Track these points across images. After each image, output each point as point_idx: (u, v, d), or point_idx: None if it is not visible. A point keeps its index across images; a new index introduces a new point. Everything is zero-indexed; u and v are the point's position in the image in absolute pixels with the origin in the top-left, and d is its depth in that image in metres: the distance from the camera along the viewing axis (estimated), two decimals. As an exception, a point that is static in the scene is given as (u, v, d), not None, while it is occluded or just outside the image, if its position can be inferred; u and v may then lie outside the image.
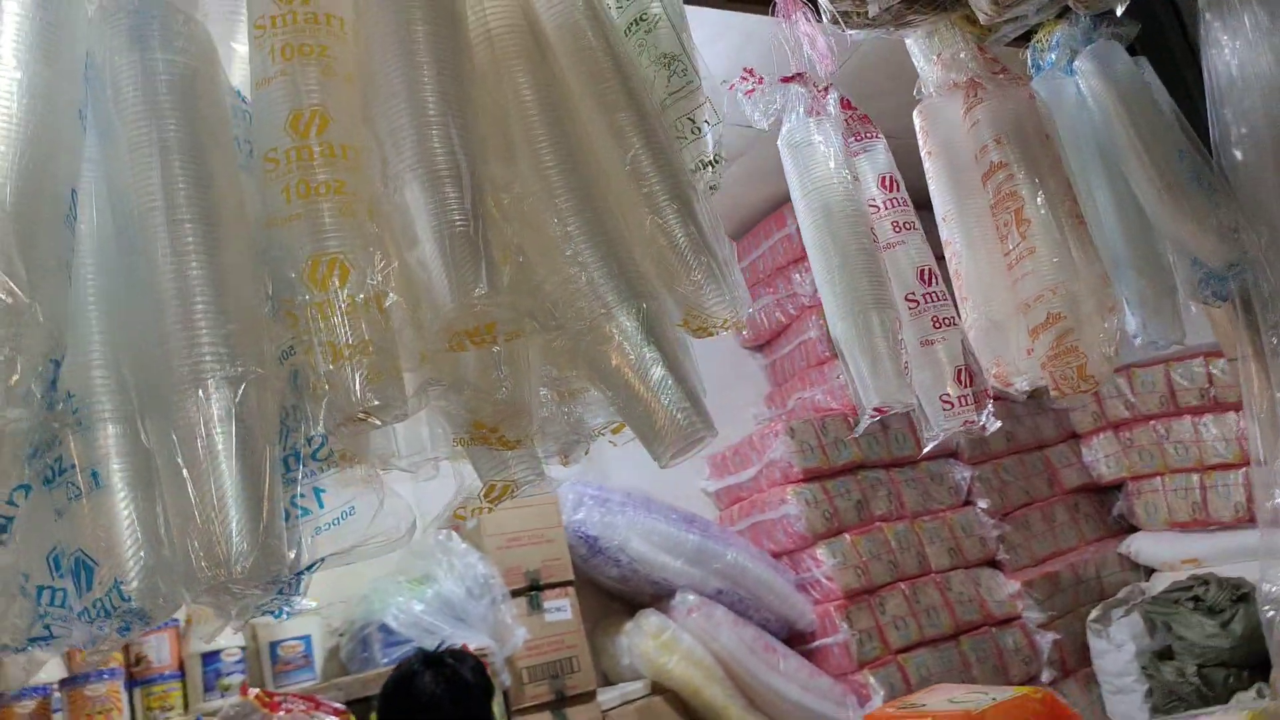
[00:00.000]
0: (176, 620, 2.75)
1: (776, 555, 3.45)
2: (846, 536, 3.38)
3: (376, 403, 0.92)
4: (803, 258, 3.69)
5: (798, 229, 3.80)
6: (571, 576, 3.02)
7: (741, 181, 3.50)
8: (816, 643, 3.31)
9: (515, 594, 2.87)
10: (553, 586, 2.97)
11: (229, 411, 0.86)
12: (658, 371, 1.02)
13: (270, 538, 0.83)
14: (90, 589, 0.87)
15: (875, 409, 1.43)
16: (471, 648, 2.62)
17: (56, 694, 2.46)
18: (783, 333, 3.93)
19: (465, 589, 2.79)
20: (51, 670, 2.53)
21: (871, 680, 3.14)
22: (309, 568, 0.95)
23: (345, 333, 0.93)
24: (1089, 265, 1.59)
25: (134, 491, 0.89)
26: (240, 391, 0.87)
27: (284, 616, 0.99)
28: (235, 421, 0.86)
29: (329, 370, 0.92)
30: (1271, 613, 1.65)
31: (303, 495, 0.97)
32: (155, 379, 0.87)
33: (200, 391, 0.85)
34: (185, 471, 0.84)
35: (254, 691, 2.37)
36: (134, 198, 0.93)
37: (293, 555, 0.88)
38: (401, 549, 1.06)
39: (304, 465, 0.96)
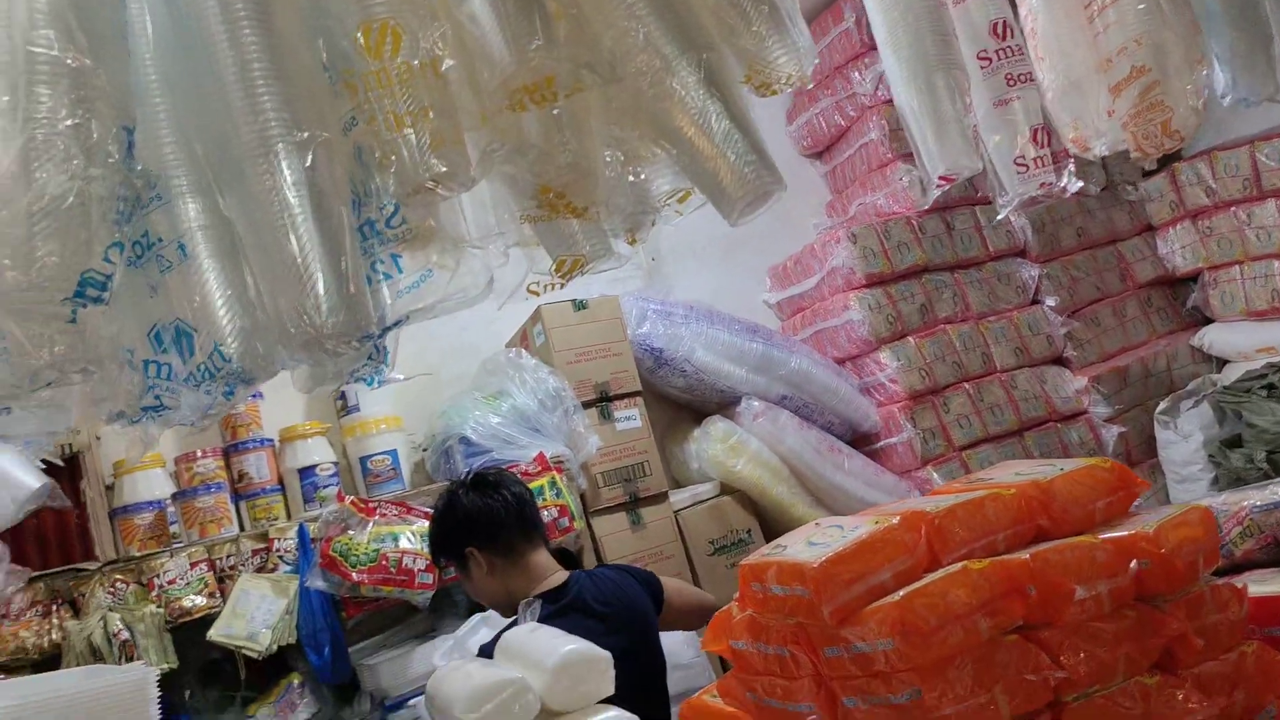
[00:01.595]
0: (272, 440, 2.92)
1: (840, 361, 3.48)
2: (910, 340, 3.38)
3: (442, 169, 0.93)
4: (863, 54, 3.51)
5: (856, 20, 3.59)
6: (639, 387, 3.09)
7: (795, -27, 3.29)
8: (880, 443, 3.38)
9: (586, 405, 2.96)
10: (621, 397, 3.06)
11: (301, 176, 0.87)
12: (722, 125, 0.99)
13: (355, 295, 0.86)
14: (192, 354, 0.92)
15: (942, 177, 1.39)
16: (548, 456, 2.75)
17: (170, 508, 2.67)
18: (842, 137, 3.80)
19: (538, 402, 2.89)
20: (165, 488, 2.74)
21: (935, 476, 3.21)
22: (395, 324, 0.98)
23: (404, 100, 0.92)
24: (1178, 12, 1.48)
25: (220, 260, 0.92)
26: (310, 156, 0.87)
27: (375, 385, 1.04)
28: (308, 186, 0.87)
29: (392, 138, 0.92)
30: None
31: (382, 262, 1.00)
32: (225, 150, 0.88)
33: (270, 158, 0.87)
34: (266, 236, 0.86)
35: (350, 499, 2.53)
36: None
37: (378, 315, 0.91)
38: (480, 302, 1.09)
39: (380, 235, 0.98)
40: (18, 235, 0.82)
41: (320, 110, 0.91)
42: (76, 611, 2.29)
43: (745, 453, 3.08)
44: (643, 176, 1.15)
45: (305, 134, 0.89)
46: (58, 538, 2.36)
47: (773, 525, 3.09)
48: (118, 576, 2.33)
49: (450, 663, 1.27)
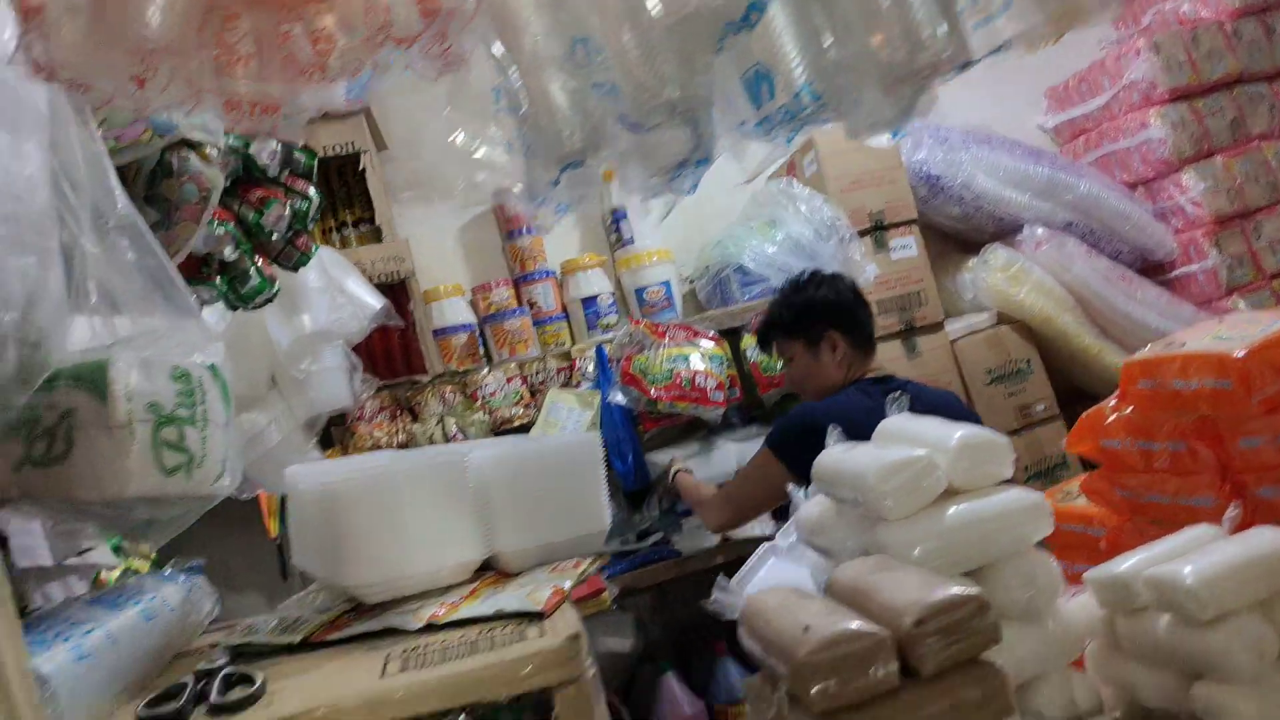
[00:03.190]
0: (554, 272, 3.08)
1: (1130, 186, 3.22)
2: (1218, 159, 3.06)
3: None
4: None
5: None
6: (915, 215, 3.01)
7: None
8: (1176, 272, 3.14)
9: (861, 234, 2.92)
10: (896, 226, 2.99)
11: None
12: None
13: (957, 26, 0.85)
14: (772, 97, 0.96)
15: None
16: (827, 281, 2.75)
17: (479, 331, 2.91)
18: (1141, -66, 3.37)
19: (813, 231, 2.87)
20: (468, 315, 2.97)
21: (1241, 304, 2.97)
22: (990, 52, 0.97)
23: None
24: None
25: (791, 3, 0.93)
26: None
27: (898, 137, 1.02)
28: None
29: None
30: None
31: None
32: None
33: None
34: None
35: (643, 322, 2.66)
36: None
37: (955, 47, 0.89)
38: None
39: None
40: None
41: None
42: (414, 417, 2.58)
43: (1028, 281, 2.95)
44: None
45: None
46: (394, 353, 2.64)
47: (1055, 356, 2.99)
48: (446, 387, 2.59)
49: (837, 446, 1.32)
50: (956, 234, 3.24)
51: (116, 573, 1.77)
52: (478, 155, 1.15)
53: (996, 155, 3.03)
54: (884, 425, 1.40)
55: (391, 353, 2.65)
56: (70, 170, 1.04)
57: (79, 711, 0.81)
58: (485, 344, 2.94)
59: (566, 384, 2.70)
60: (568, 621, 0.90)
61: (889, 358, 2.91)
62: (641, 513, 2.86)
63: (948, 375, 2.94)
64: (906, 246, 2.97)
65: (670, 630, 2.93)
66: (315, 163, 1.92)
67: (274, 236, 1.80)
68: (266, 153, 1.79)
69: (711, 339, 2.72)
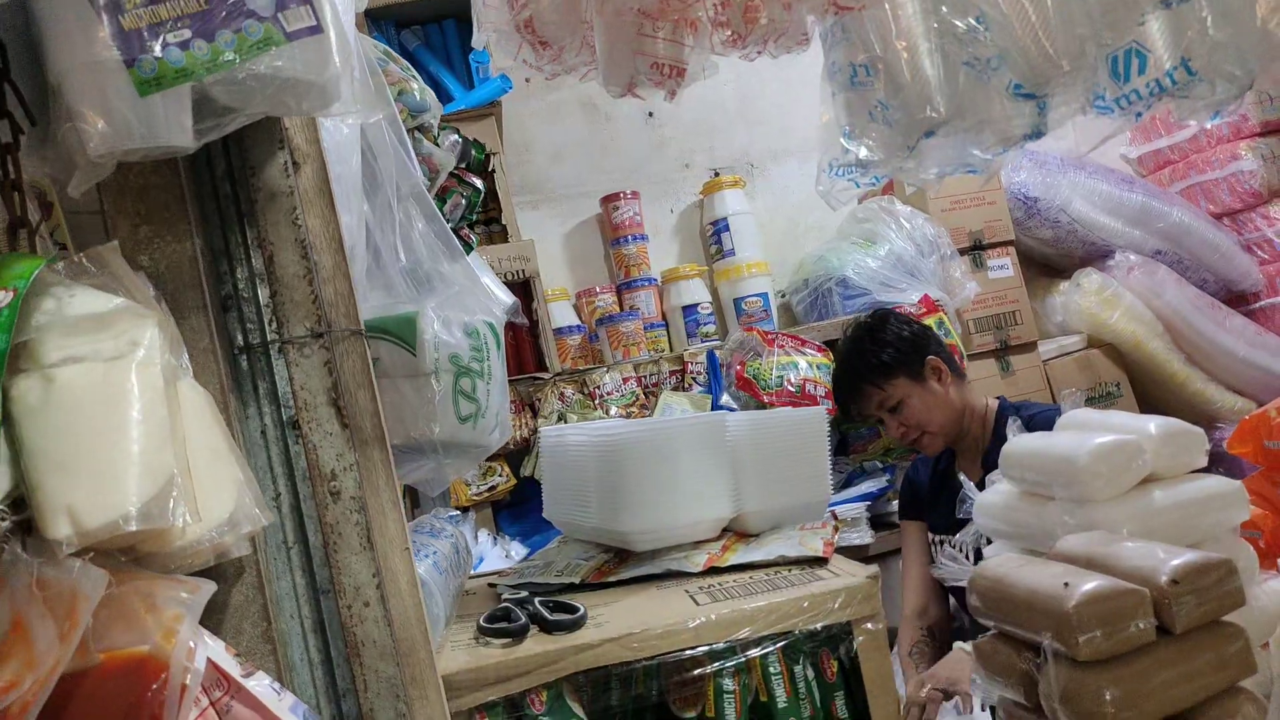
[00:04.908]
0: (655, 279, 3.18)
1: (1216, 217, 3.30)
2: (1307, 193, 3.14)
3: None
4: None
5: None
6: (1012, 236, 3.09)
7: None
8: (1261, 303, 3.22)
9: (960, 253, 3.00)
10: (994, 245, 3.08)
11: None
12: None
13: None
14: (1142, 73, 1.04)
15: None
16: (933, 299, 2.84)
17: (595, 332, 3.00)
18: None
19: (915, 247, 2.97)
20: (574, 318, 3.07)
21: (1331, 338, 3.03)
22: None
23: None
24: None
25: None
26: None
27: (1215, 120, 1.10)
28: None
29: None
30: None
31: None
32: None
33: None
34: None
35: (756, 329, 2.75)
36: None
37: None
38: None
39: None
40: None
41: None
42: (535, 412, 2.67)
43: (1119, 306, 3.03)
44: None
45: None
46: (520, 349, 2.73)
47: (1143, 381, 3.06)
48: (566, 386, 2.68)
49: (1026, 434, 1.40)
50: (1044, 258, 3.32)
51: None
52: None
53: (1093, 180, 3.12)
54: (1070, 416, 1.48)
55: (517, 349, 2.74)
56: (374, 140, 1.14)
57: (441, 622, 0.90)
58: (596, 346, 3.03)
59: (679, 387, 2.79)
60: (852, 567, 0.99)
61: (983, 375, 2.99)
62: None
63: (1040, 395, 3.01)
64: (1003, 266, 3.06)
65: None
66: (483, 157, 2.02)
67: (450, 225, 1.91)
68: (449, 143, 1.89)
69: (817, 349, 2.80)
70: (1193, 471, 1.32)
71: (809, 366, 2.73)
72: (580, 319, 3.14)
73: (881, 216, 3.05)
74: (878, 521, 2.69)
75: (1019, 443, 1.41)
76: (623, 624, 0.91)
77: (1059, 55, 1.00)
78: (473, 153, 2.00)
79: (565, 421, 2.59)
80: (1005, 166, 3.08)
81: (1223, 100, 1.02)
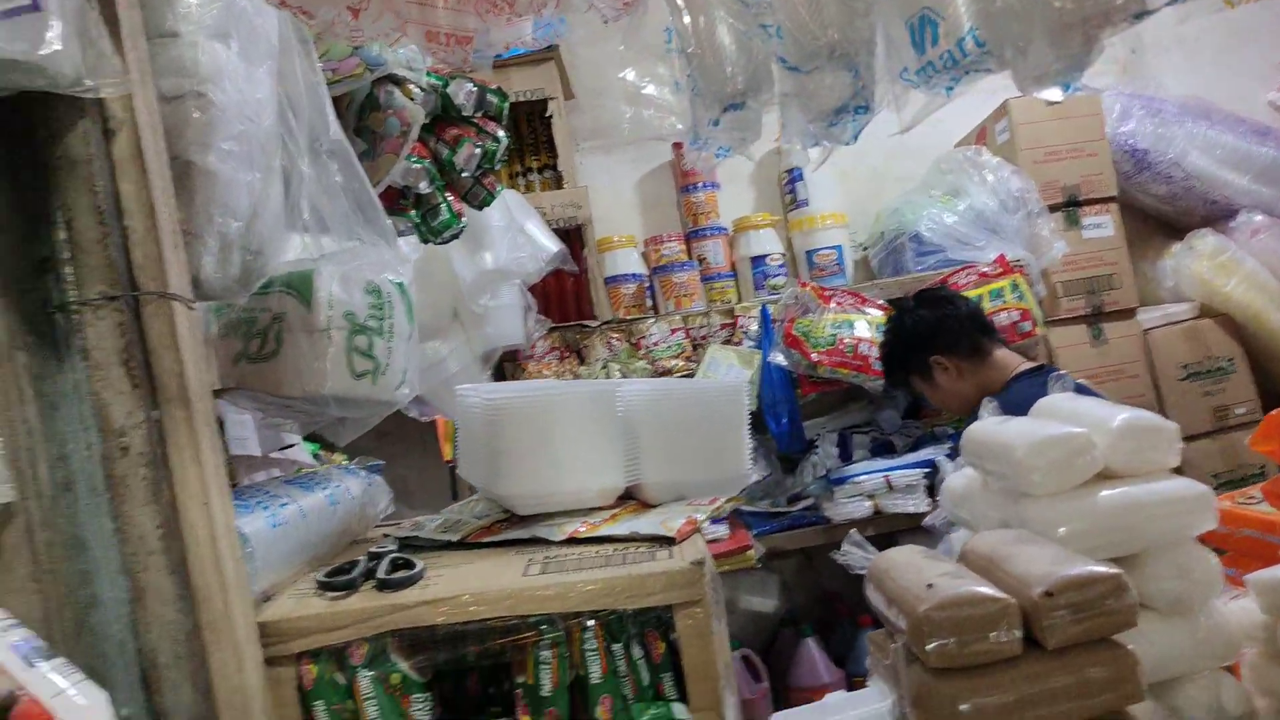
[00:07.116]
0: (726, 229, 3.11)
1: (1376, 174, 2.88)
2: None
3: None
4: None
5: None
6: (1114, 192, 2.82)
7: None
8: None
9: (1052, 209, 2.77)
10: (1092, 202, 2.81)
11: None
12: None
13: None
14: (935, 44, 0.97)
15: None
16: (1008, 259, 2.64)
17: (648, 283, 2.98)
18: None
19: (999, 202, 2.76)
20: (639, 265, 3.05)
21: None
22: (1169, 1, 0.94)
23: None
24: None
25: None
26: None
27: (1071, 91, 1.00)
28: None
29: None
30: None
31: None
32: None
33: None
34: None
35: (811, 285, 2.65)
36: None
37: None
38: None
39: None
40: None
41: None
42: (581, 360, 2.70)
43: (1238, 272, 2.72)
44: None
45: None
46: (567, 297, 2.76)
47: (1261, 355, 2.74)
48: (612, 334, 2.69)
49: (990, 419, 1.30)
50: (1160, 215, 3.01)
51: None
52: (645, 91, 1.20)
53: (1216, 132, 2.78)
54: (1043, 403, 1.36)
55: (564, 296, 2.77)
56: (293, 97, 1.16)
57: (269, 572, 0.94)
58: (653, 295, 3.01)
59: (728, 341, 2.74)
60: (696, 549, 0.96)
61: (1071, 343, 2.77)
62: (795, 476, 2.88)
63: (1136, 366, 2.76)
64: (1101, 225, 2.80)
65: (814, 597, 2.95)
66: (506, 105, 2.03)
67: (464, 174, 1.93)
68: (464, 93, 1.90)
69: (880, 308, 2.67)
70: (1173, 470, 1.19)
71: (867, 326, 2.60)
72: (647, 266, 3.11)
73: (965, 168, 2.84)
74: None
75: (978, 427, 1.31)
76: (448, 588, 0.93)
77: (823, 25, 0.88)
78: (493, 100, 2.01)
79: (607, 370, 2.60)
80: (1112, 114, 2.81)
81: (1059, 71, 0.87)
